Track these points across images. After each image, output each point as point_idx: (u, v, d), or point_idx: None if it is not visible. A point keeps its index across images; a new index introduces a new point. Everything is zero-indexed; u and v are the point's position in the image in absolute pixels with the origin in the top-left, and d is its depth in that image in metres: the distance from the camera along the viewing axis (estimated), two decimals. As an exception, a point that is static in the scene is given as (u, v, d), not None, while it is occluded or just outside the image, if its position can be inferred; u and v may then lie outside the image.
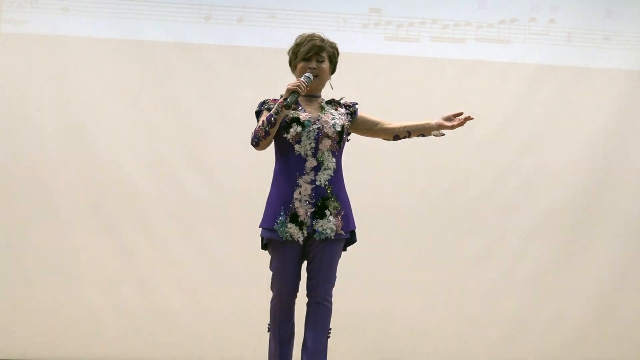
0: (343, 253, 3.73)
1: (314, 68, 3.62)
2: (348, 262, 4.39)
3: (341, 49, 5.62)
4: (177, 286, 5.36)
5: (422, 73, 5.62)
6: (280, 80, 3.90)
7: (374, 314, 5.43)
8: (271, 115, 3.51)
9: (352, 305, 5.32)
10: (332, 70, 3.76)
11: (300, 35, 3.69)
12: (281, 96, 3.64)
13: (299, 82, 3.52)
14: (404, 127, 3.82)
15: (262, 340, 3.92)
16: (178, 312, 5.35)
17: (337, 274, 3.70)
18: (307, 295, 3.59)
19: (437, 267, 5.52)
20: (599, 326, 5.58)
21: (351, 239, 3.71)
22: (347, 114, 3.73)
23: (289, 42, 3.75)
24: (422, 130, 3.80)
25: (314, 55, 3.63)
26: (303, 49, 3.63)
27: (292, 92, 3.50)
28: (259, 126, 3.54)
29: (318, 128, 3.58)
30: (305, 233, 3.54)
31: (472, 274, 5.54)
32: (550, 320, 5.57)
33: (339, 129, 3.62)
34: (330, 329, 3.61)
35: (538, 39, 5.71)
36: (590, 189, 5.65)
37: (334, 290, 3.69)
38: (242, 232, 5.18)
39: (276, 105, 3.53)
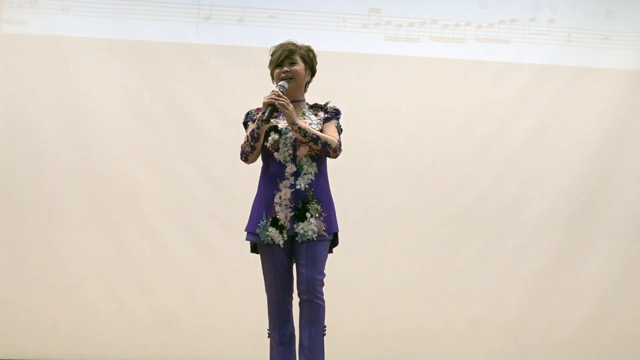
0: (338, 254, 3.73)
1: (287, 71, 3.64)
2: (348, 263, 4.41)
3: (341, 49, 5.65)
4: (177, 286, 5.37)
5: (422, 73, 5.62)
6: (280, 80, 3.90)
7: (373, 314, 5.43)
8: (254, 130, 3.58)
9: (352, 306, 5.33)
10: (311, 72, 3.76)
11: (274, 46, 3.73)
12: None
13: (273, 95, 3.53)
14: None
15: (262, 340, 3.91)
16: (178, 312, 5.35)
17: (338, 275, 3.70)
18: (298, 295, 3.59)
19: (437, 268, 5.52)
20: (599, 326, 5.59)
21: (334, 241, 3.70)
22: (327, 118, 3.69)
23: (289, 43, 3.74)
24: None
25: (285, 60, 3.66)
26: (273, 58, 3.69)
27: (268, 105, 3.53)
28: (245, 141, 3.61)
29: (294, 136, 3.59)
30: (286, 236, 3.58)
31: (472, 274, 5.54)
32: (550, 320, 5.57)
33: None
34: (325, 327, 3.61)
35: (538, 39, 5.71)
36: (590, 188, 5.65)
37: (334, 291, 3.70)
38: (242, 232, 5.17)
39: (256, 120, 3.58)
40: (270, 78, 3.75)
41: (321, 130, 3.64)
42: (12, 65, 5.38)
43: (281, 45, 3.70)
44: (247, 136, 3.60)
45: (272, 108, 3.52)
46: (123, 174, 5.38)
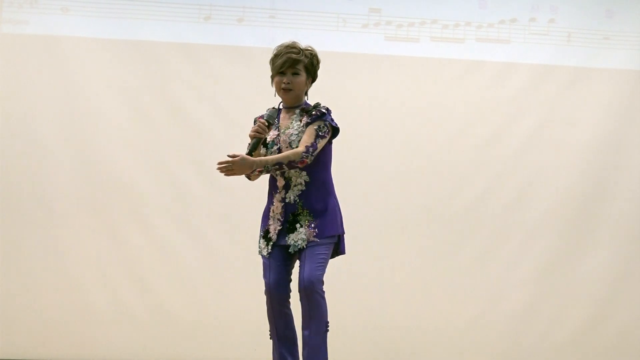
0: (344, 255, 3.72)
1: (288, 83, 3.58)
2: (348, 262, 4.40)
3: (341, 49, 5.64)
4: (177, 286, 5.37)
5: (422, 73, 5.62)
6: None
7: (374, 314, 5.43)
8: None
9: (352, 305, 5.33)
10: (313, 78, 3.68)
11: (279, 46, 3.63)
12: (267, 110, 3.63)
13: (257, 127, 3.49)
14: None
15: (262, 340, 3.92)
16: (178, 312, 5.35)
17: (338, 274, 3.69)
18: (298, 292, 3.57)
19: (437, 268, 5.52)
20: (599, 326, 5.58)
21: (338, 243, 3.64)
22: (308, 123, 3.57)
23: (289, 42, 3.71)
24: None
25: (288, 69, 3.57)
26: (278, 62, 3.57)
27: (253, 138, 3.50)
28: None
29: (278, 148, 3.57)
30: (270, 248, 3.58)
31: (472, 275, 5.54)
32: (550, 320, 5.57)
33: (296, 145, 3.55)
34: (328, 323, 3.59)
35: (538, 39, 5.71)
36: (590, 189, 5.65)
37: (334, 290, 3.69)
38: (242, 232, 5.18)
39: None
40: (270, 73, 3.69)
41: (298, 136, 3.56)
42: (12, 65, 5.38)
43: (286, 49, 3.59)
44: None
45: (258, 140, 3.50)
46: (123, 173, 5.38)
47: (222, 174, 3.43)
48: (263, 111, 3.66)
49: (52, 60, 5.39)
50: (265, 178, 3.72)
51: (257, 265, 3.79)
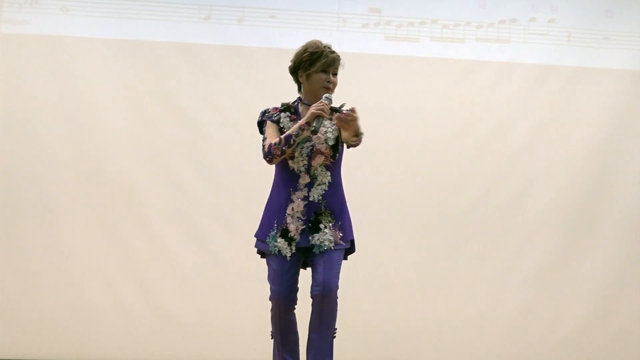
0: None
1: (330, 82, 3.59)
2: (350, 263, 4.40)
3: (341, 49, 5.64)
4: (177, 286, 5.37)
5: (422, 73, 5.62)
6: (280, 80, 3.89)
7: (374, 314, 5.43)
8: (290, 136, 3.46)
9: (353, 305, 5.31)
10: None
11: (313, 44, 3.63)
12: (282, 104, 3.63)
13: (323, 106, 3.46)
14: None
15: (262, 340, 3.92)
16: (178, 312, 5.35)
17: (340, 275, 3.68)
18: (312, 296, 3.54)
19: (437, 268, 5.52)
20: (599, 326, 5.59)
21: (350, 248, 3.67)
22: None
23: (289, 42, 3.73)
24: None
25: (331, 68, 3.60)
26: (324, 61, 3.57)
27: (317, 116, 3.44)
28: (275, 143, 3.48)
29: (311, 145, 3.55)
30: (294, 249, 3.53)
31: (472, 275, 5.54)
32: (550, 320, 5.57)
33: (332, 143, 3.57)
34: (336, 329, 3.60)
35: (538, 39, 5.71)
36: (590, 189, 5.66)
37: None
38: (242, 232, 5.16)
39: (297, 126, 3.47)
40: (270, 73, 3.69)
41: (337, 138, 3.59)
42: (12, 65, 5.38)
43: (326, 48, 3.61)
44: (281, 139, 3.47)
45: (322, 119, 3.45)
46: (122, 173, 5.38)
47: (340, 120, 3.43)
48: (263, 109, 3.69)
49: (52, 60, 5.39)
50: (266, 175, 3.70)
51: (257, 266, 3.79)
